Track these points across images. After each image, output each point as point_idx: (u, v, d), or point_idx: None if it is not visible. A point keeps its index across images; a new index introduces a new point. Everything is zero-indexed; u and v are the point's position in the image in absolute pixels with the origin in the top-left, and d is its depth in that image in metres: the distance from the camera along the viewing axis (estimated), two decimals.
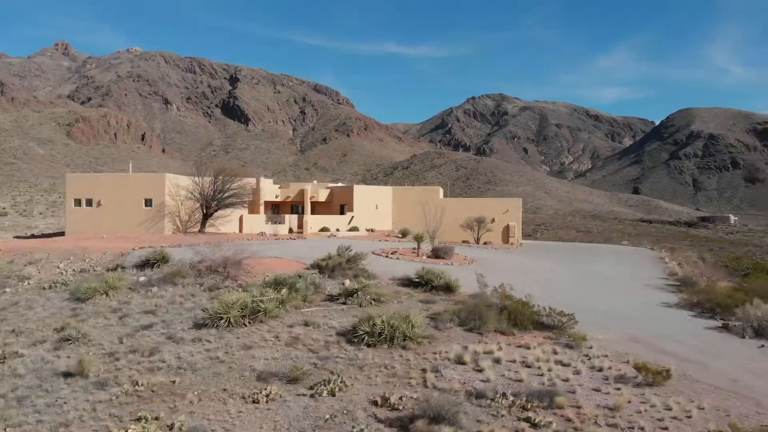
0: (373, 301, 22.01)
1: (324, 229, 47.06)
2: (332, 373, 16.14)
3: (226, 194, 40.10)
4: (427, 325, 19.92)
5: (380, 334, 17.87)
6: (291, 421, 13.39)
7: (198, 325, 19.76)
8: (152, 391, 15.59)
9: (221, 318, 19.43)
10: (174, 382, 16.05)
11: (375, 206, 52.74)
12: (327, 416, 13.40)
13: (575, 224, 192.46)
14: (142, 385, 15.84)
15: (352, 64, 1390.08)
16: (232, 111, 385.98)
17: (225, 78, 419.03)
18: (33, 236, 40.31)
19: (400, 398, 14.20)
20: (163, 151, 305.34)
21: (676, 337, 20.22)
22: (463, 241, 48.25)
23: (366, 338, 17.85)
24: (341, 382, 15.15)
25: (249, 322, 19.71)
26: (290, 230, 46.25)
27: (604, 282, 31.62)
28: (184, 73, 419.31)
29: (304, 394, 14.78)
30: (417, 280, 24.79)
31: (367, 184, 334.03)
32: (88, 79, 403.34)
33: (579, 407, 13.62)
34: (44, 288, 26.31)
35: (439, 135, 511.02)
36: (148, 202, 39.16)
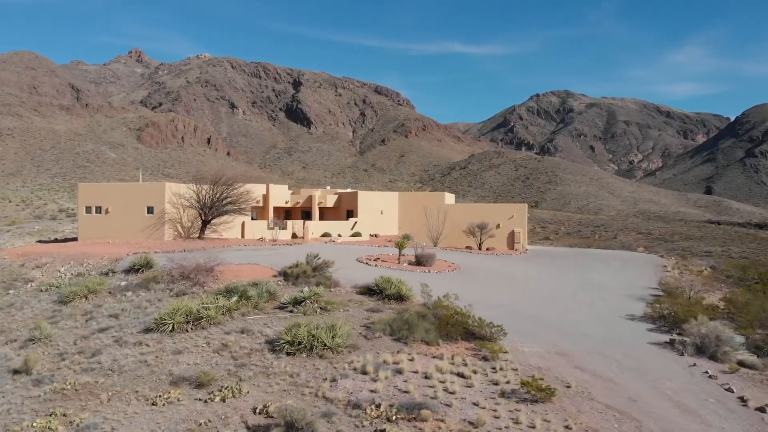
0: (320, 310, 22.82)
1: (326, 235, 48.19)
2: (240, 379, 17.11)
3: (223, 202, 42.01)
4: (359, 335, 20.63)
5: (300, 343, 18.65)
6: (170, 423, 14.44)
7: (146, 330, 21.17)
8: (76, 390, 17.06)
9: (165, 324, 20.75)
10: (98, 382, 17.47)
11: (380, 212, 53.42)
12: (202, 421, 14.38)
13: (636, 226, 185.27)
14: (69, 384, 17.36)
15: (414, 64, 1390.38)
16: (295, 114, 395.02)
17: (289, 82, 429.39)
18: (56, 240, 43.60)
19: (290, 405, 14.97)
20: (228, 154, 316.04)
21: (607, 352, 19.95)
22: (467, 247, 48.10)
23: (286, 347, 18.68)
24: (238, 389, 16.10)
25: (191, 328, 20.94)
26: (294, 236, 47.64)
27: (583, 291, 31.06)
28: (250, 77, 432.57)
29: (200, 399, 15.81)
30: (374, 288, 25.39)
31: (424, 184, 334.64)
32: (159, 85, 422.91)
33: (442, 421, 13.97)
34: (41, 290, 28.65)
35: (501, 134, 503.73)
36: (150, 210, 41.51)
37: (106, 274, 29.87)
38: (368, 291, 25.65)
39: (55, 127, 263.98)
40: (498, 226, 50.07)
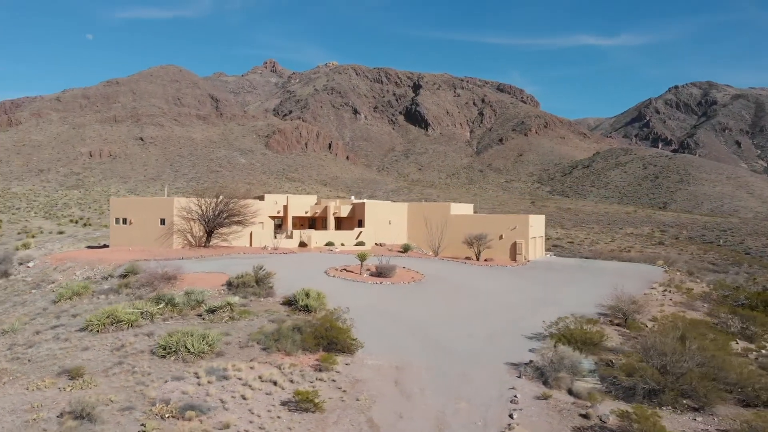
0: (228, 318, 25.93)
1: (329, 244, 50.93)
2: (107, 375, 20.68)
3: (225, 215, 46.51)
4: (238, 343, 23.41)
5: (170, 347, 21.88)
6: (18, 403, 18.21)
7: (81, 329, 25.54)
8: None
9: (93, 324, 24.96)
10: (12, 369, 21.90)
11: (388, 222, 55.01)
12: (37, 404, 18.04)
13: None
14: None
15: (541, 60, 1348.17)
16: (414, 117, 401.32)
17: (408, 86, 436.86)
18: (104, 246, 50.78)
19: (109, 399, 18.27)
20: (347, 158, 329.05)
21: (450, 368, 20.96)
22: (466, 258, 48.41)
23: (159, 350, 22.00)
24: (89, 382, 19.65)
25: (113, 329, 24.97)
26: (302, 244, 50.97)
27: (525, 306, 31.04)
28: (372, 83, 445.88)
29: (60, 388, 19.51)
30: (291, 299, 27.97)
31: (543, 184, 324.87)
32: (290, 93, 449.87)
33: (201, 421, 16.45)
34: (53, 291, 34.53)
35: (635, 129, 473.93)
36: (162, 221, 47.05)
37: (106, 278, 35.23)
38: (289, 302, 28.27)
39: (193, 135, 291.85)
40: (501, 237, 49.80)
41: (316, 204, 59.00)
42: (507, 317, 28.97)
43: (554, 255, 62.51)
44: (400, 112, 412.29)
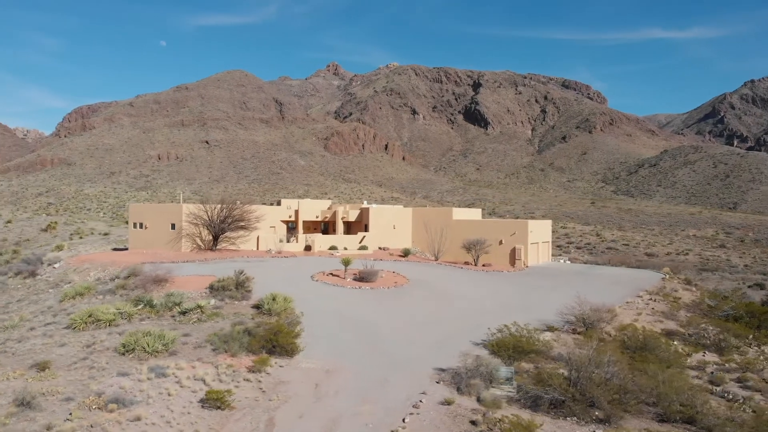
0: (197, 320, 27.97)
1: (333, 248, 52.29)
2: (68, 369, 23.05)
3: (230, 221, 48.87)
4: (194, 343, 25.34)
5: (129, 346, 24.07)
6: None
7: (67, 327, 28.24)
8: None
9: (77, 323, 27.60)
10: None
11: (392, 226, 55.69)
12: None
13: None
14: None
15: (609, 55, 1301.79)
16: (473, 116, 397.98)
17: (468, 84, 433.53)
18: (127, 248, 54.43)
19: (58, 390, 20.55)
20: (403, 158, 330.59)
21: (375, 372, 22.08)
22: (465, 262, 48.60)
23: (121, 349, 24.23)
24: (50, 374, 22.04)
25: (94, 328, 27.52)
26: (307, 247, 52.59)
27: (495, 313, 31.40)
28: (431, 83, 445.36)
29: (25, 378, 22.00)
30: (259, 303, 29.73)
31: (607, 183, 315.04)
32: (351, 95, 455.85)
33: (119, 414, 18.36)
34: (65, 290, 37.78)
35: (709, 125, 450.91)
36: (173, 226, 49.87)
37: (113, 279, 38.21)
38: (257, 306, 30.04)
39: (256, 138, 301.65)
40: (501, 242, 49.66)
41: (328, 209, 60.82)
42: (468, 323, 29.58)
43: (567, 260, 61.63)
44: (459, 112, 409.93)
